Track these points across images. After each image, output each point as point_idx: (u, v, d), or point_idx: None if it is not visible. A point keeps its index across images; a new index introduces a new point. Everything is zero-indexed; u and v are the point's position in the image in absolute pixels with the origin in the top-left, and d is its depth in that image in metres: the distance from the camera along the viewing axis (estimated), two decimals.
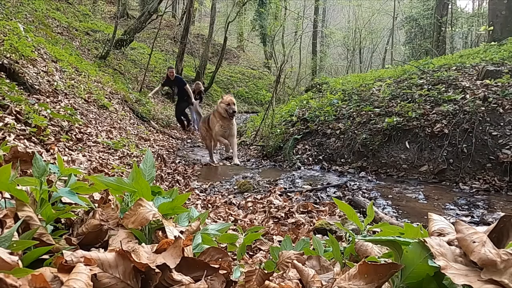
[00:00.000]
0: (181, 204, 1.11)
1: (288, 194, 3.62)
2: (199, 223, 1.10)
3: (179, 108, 9.67)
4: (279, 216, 2.86)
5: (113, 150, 4.35)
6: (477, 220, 2.87)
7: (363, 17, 26.17)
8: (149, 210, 0.94)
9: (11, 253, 0.62)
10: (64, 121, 4.01)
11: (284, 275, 0.88)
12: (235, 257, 1.34)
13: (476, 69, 5.80)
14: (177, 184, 4.08)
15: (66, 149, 3.40)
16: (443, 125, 4.43)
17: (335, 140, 5.32)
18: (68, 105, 4.66)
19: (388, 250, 0.83)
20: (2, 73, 3.97)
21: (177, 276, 0.73)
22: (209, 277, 0.77)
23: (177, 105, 9.76)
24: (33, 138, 3.10)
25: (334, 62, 29.23)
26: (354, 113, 5.55)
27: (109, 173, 3.11)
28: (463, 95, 4.77)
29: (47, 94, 4.58)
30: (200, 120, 10.02)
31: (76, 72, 6.91)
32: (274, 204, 3.13)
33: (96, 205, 1.12)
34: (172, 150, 6.68)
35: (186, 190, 3.84)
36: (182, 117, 9.72)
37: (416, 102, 5.02)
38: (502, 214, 0.83)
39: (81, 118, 4.63)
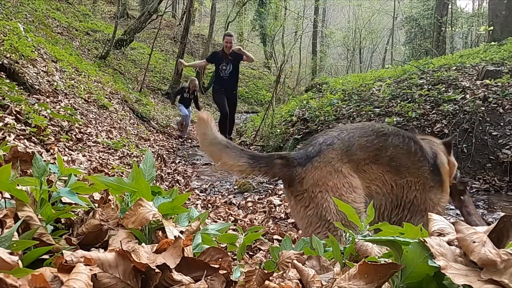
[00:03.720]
0: (181, 204, 1.11)
1: None
2: (199, 223, 1.10)
3: (224, 97, 6.35)
4: (279, 216, 2.86)
5: (113, 150, 4.35)
6: None
7: (363, 17, 26.19)
8: (149, 210, 0.94)
9: (11, 253, 0.62)
10: (64, 121, 4.01)
11: (284, 275, 0.88)
12: (235, 257, 1.34)
13: (476, 69, 5.80)
14: (177, 184, 4.08)
15: (66, 149, 3.40)
16: (443, 125, 4.43)
17: None
18: (68, 105, 4.66)
19: (388, 250, 0.83)
20: (2, 73, 3.96)
21: (177, 276, 0.73)
22: (209, 277, 0.77)
23: (223, 93, 6.35)
24: (33, 138, 3.10)
25: (334, 62, 29.24)
26: (354, 113, 5.55)
27: (109, 173, 3.11)
28: (463, 95, 4.77)
29: (47, 94, 4.58)
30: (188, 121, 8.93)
31: (76, 72, 6.91)
32: (274, 204, 3.14)
33: (96, 205, 1.12)
34: (172, 150, 6.68)
35: (186, 190, 3.85)
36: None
37: (416, 102, 5.02)
38: (502, 214, 0.83)
39: (81, 118, 4.63)
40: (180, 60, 7.95)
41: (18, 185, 0.92)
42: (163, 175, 4.30)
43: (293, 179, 1.53)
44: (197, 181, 4.41)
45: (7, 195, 0.96)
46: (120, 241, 0.88)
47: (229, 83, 6.41)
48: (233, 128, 7.10)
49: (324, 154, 1.55)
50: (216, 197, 3.56)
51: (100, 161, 3.57)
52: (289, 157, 1.58)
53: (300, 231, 2.42)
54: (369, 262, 0.67)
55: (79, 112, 4.89)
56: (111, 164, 3.63)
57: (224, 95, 6.38)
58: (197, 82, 8.81)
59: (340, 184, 1.52)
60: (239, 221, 2.70)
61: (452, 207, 3.23)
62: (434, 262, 0.62)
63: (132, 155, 4.52)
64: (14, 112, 3.25)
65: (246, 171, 1.53)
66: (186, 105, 8.52)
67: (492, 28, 8.90)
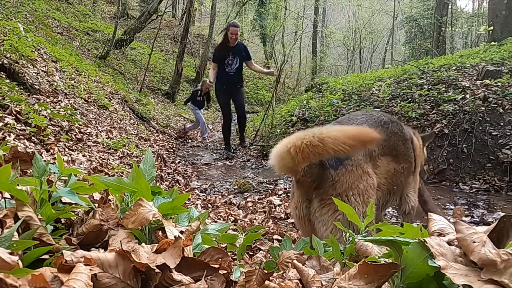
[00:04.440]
0: (181, 204, 1.11)
1: (288, 194, 3.62)
2: (199, 223, 1.10)
3: (229, 97, 5.92)
4: (279, 216, 2.86)
5: (113, 150, 4.35)
6: (477, 220, 2.87)
7: (363, 17, 26.20)
8: (149, 210, 0.95)
9: (11, 253, 0.62)
10: (64, 121, 4.01)
11: (284, 275, 0.88)
12: (235, 257, 1.34)
13: (476, 69, 5.80)
14: (177, 184, 4.08)
15: (66, 149, 3.39)
16: (443, 125, 4.43)
17: None
18: (68, 105, 4.66)
19: (388, 250, 0.83)
20: (2, 73, 3.96)
21: (177, 276, 0.73)
22: (209, 277, 0.77)
23: (227, 92, 5.88)
24: (33, 138, 3.10)
25: (334, 62, 29.24)
26: None
27: (109, 173, 3.11)
28: (463, 95, 4.77)
29: (47, 94, 4.58)
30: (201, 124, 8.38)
31: (76, 72, 6.91)
32: (274, 204, 3.14)
33: (96, 205, 1.12)
34: (172, 150, 6.68)
35: (186, 190, 3.85)
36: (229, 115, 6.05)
37: (416, 102, 5.02)
38: (502, 214, 0.83)
39: (81, 118, 4.63)
40: (209, 82, 6.37)
41: (18, 185, 0.92)
42: (163, 175, 4.31)
43: (325, 181, 1.45)
44: (197, 181, 4.41)
45: (7, 195, 0.96)
46: (120, 241, 0.88)
47: (234, 79, 5.76)
48: (245, 127, 6.42)
49: (354, 156, 1.49)
50: (216, 197, 3.56)
51: (100, 161, 3.57)
52: None
53: (300, 231, 2.41)
54: (369, 262, 0.67)
55: (79, 112, 4.89)
56: (111, 164, 3.63)
57: (229, 95, 5.86)
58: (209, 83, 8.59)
59: (368, 185, 1.50)
60: (239, 221, 2.70)
61: (452, 207, 3.23)
62: (434, 262, 0.62)
63: (132, 155, 4.52)
64: (14, 112, 3.25)
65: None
66: (200, 107, 8.40)
67: (492, 28, 8.90)
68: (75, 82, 6.14)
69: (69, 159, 3.01)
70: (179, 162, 5.58)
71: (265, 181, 4.25)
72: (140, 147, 5.44)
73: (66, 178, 1.09)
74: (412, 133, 1.96)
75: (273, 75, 6.40)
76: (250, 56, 5.98)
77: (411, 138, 1.86)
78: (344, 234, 1.30)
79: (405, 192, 1.84)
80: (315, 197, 1.48)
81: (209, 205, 3.19)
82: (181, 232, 1.00)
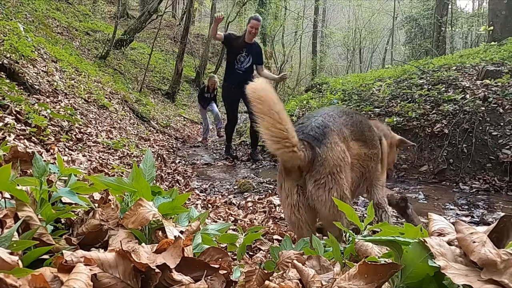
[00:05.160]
0: (181, 204, 1.11)
1: None
2: (199, 223, 1.10)
3: (236, 97, 5.38)
4: (279, 216, 2.86)
5: (113, 150, 4.35)
6: (477, 220, 2.87)
7: (363, 17, 26.19)
8: (149, 210, 0.95)
9: (11, 253, 0.62)
10: (64, 121, 4.01)
11: (284, 275, 0.88)
12: (235, 257, 1.34)
13: (476, 69, 5.80)
14: (177, 184, 4.08)
15: (66, 149, 3.39)
16: (443, 125, 4.43)
17: None
18: (68, 105, 4.66)
19: (388, 250, 0.83)
20: (2, 73, 3.96)
21: (177, 276, 0.73)
22: (209, 277, 0.77)
23: (234, 91, 5.27)
24: (33, 138, 3.10)
25: (334, 62, 29.22)
26: None
27: (109, 173, 3.11)
28: (463, 95, 4.77)
29: (47, 94, 4.58)
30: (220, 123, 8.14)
31: (76, 72, 6.91)
32: (274, 204, 3.13)
33: (96, 205, 1.12)
34: (172, 150, 6.68)
35: (186, 190, 3.84)
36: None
37: (416, 102, 5.02)
38: (502, 214, 0.83)
39: (81, 118, 4.63)
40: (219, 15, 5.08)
41: (18, 185, 0.92)
42: (163, 175, 4.30)
43: (315, 161, 1.51)
44: (197, 181, 4.41)
45: (7, 195, 0.96)
46: (120, 241, 0.88)
47: (243, 79, 5.04)
48: (258, 136, 5.28)
49: (330, 135, 1.59)
50: (216, 197, 3.56)
51: (100, 161, 3.57)
52: (307, 140, 1.54)
53: (289, 222, 2.41)
54: (369, 262, 0.67)
55: (79, 112, 4.89)
56: (111, 164, 3.63)
57: (238, 96, 5.26)
58: (216, 79, 8.27)
59: (345, 163, 1.60)
60: (239, 221, 2.70)
61: (452, 207, 3.23)
62: (434, 262, 0.62)
63: (132, 155, 4.52)
64: (14, 112, 3.25)
65: (287, 137, 1.38)
66: (207, 103, 8.28)
67: (492, 28, 8.90)
68: (75, 82, 6.13)
69: (69, 159, 3.01)
70: (179, 162, 5.57)
71: (265, 181, 4.24)
72: (140, 147, 5.44)
73: (66, 178, 1.09)
74: (383, 134, 2.13)
75: (286, 78, 6.11)
76: (262, 60, 5.44)
77: (379, 136, 2.05)
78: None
79: (374, 182, 1.98)
80: (309, 179, 1.53)
81: (209, 205, 3.19)
82: (181, 232, 1.00)
